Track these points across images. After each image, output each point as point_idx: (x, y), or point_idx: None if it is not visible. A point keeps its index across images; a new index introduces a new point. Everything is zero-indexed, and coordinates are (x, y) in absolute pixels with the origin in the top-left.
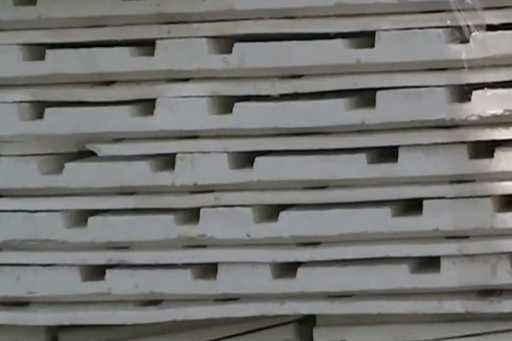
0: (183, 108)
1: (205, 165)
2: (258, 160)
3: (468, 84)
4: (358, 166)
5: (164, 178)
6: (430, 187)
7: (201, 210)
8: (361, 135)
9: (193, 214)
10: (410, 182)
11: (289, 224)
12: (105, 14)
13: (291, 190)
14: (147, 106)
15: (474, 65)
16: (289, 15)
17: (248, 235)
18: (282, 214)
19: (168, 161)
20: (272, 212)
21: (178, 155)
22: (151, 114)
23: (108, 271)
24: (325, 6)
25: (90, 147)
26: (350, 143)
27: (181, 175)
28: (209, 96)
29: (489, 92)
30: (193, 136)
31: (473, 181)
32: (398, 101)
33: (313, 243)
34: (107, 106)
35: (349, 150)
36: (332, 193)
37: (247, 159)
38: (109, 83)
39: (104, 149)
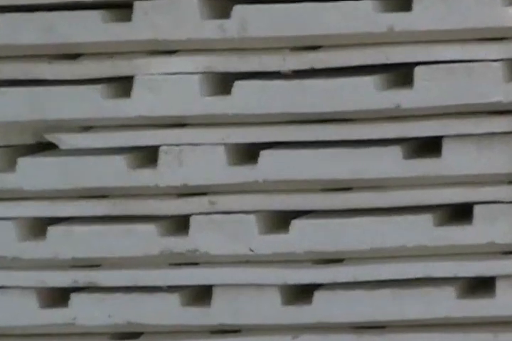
0: (168, 88)
1: (197, 160)
2: (264, 154)
3: None
4: (391, 162)
5: (145, 178)
6: (482, 189)
7: (192, 218)
8: (395, 122)
9: (181, 224)
10: (457, 183)
11: (303, 235)
12: None
13: (305, 193)
14: (123, 85)
15: None
16: None
17: (251, 250)
18: (295, 223)
19: (149, 156)
20: (281, 221)
21: (162, 149)
22: (128, 96)
23: (73, 296)
24: None
25: (50, 138)
26: (381, 132)
27: (166, 173)
28: (201, 73)
29: None
30: (181, 123)
31: None
32: (442, 80)
33: (334, 260)
34: (72, 86)
35: (380, 141)
36: (358, 196)
37: (249, 153)
38: (74, 57)
39: (67, 140)
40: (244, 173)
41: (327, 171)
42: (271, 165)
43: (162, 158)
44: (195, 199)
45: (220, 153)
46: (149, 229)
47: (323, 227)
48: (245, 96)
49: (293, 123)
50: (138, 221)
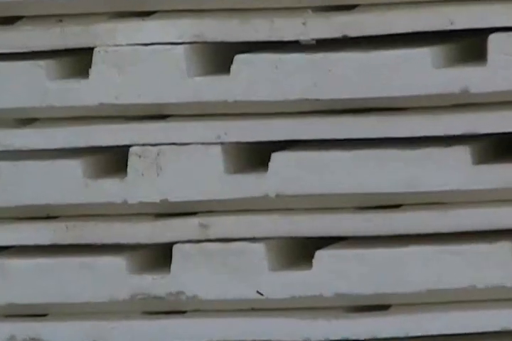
0: (141, 65)
1: (183, 167)
2: (276, 158)
3: None
4: (455, 169)
5: (109, 191)
6: None
7: (175, 248)
8: (461, 112)
9: (160, 256)
10: None
11: (331, 272)
12: None
13: (334, 213)
14: (77, 61)
15: None
16: None
17: (260, 293)
18: (320, 255)
19: (115, 161)
20: (300, 252)
21: (133, 150)
22: (85, 76)
23: None
24: None
25: None
26: (442, 127)
27: (140, 185)
28: (189, 44)
29: None
30: (161, 114)
31: None
32: None
33: (376, 306)
34: (6, 62)
35: (440, 140)
36: (409, 217)
37: (255, 157)
38: (8, 20)
39: (0, 139)
40: (249, 185)
41: (365, 182)
42: (286, 173)
43: (134, 163)
44: (180, 222)
45: (215, 157)
46: (115, 263)
47: (360, 261)
48: (250, 77)
49: (316, 115)
50: (100, 253)
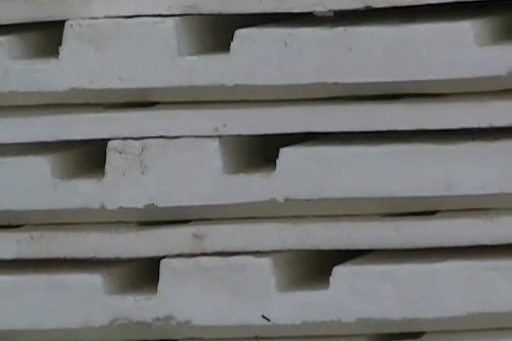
0: (123, 41)
1: (173, 165)
2: (285, 154)
3: None
4: (504, 168)
5: (83, 194)
6: None
7: (163, 264)
8: (510, 99)
9: (145, 274)
10: None
11: (352, 293)
12: None
13: (355, 220)
14: (45, 38)
15: None
16: None
17: (266, 318)
18: (339, 271)
19: (91, 157)
20: (315, 269)
21: (112, 145)
22: (54, 55)
23: None
24: None
25: None
26: (487, 116)
27: (120, 186)
28: (180, 16)
29: None
30: (146, 101)
31: None
32: None
33: (407, 334)
34: None
35: (485, 132)
36: (447, 226)
37: (261, 152)
38: None
39: None
40: (253, 187)
41: (392, 184)
42: (297, 172)
43: (113, 160)
44: (170, 232)
45: (212, 153)
46: (91, 282)
47: (387, 279)
48: (253, 56)
49: (333, 102)
50: (72, 268)
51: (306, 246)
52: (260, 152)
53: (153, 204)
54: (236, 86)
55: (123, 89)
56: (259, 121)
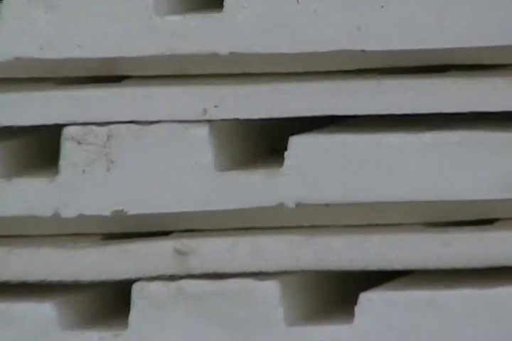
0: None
1: (148, 159)
2: (296, 143)
3: None
4: None
5: (31, 198)
6: None
7: (136, 288)
8: None
9: (112, 302)
10: None
11: (385, 327)
12: None
13: (389, 232)
14: None
15: None
16: None
17: None
18: (367, 299)
19: (40, 149)
20: (334, 295)
21: (68, 132)
22: None
23: None
24: None
25: None
26: None
27: (79, 187)
28: None
29: None
30: (113, 75)
31: None
32: None
33: None
34: None
35: None
36: (510, 238)
37: (263, 142)
38: None
39: None
40: (253, 188)
41: (438, 183)
42: (311, 168)
43: (69, 153)
44: (145, 247)
45: (199, 143)
46: (41, 312)
47: (433, 309)
48: (254, 16)
49: (360, 76)
50: (16, 295)
51: (325, 266)
52: (263, 142)
53: (122, 210)
54: (232, 55)
55: (82, 59)
56: (263, 102)
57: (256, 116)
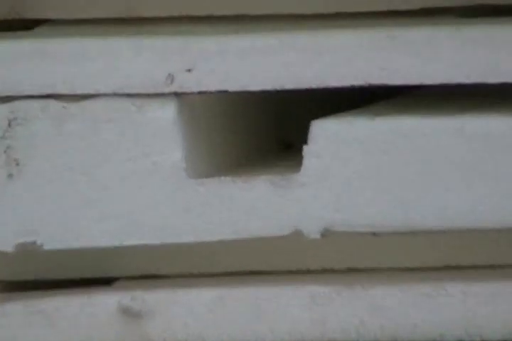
0: None
1: (75, 159)
2: (322, 129)
3: None
4: None
5: None
6: None
7: None
8: None
9: None
10: None
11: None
12: None
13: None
14: None
15: None
16: None
17: None
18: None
19: None
20: None
21: None
22: None
23: None
24: None
25: None
26: None
27: None
28: None
29: None
30: (19, 19)
31: None
32: None
33: None
34: None
35: None
36: None
37: (266, 128)
38: None
39: None
40: (251, 206)
41: None
42: (346, 172)
43: None
44: (73, 304)
45: (163, 130)
46: None
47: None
48: None
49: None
50: None
51: (379, 338)
52: (267, 131)
53: (34, 243)
54: None
55: None
56: (265, 63)
57: (254, 88)
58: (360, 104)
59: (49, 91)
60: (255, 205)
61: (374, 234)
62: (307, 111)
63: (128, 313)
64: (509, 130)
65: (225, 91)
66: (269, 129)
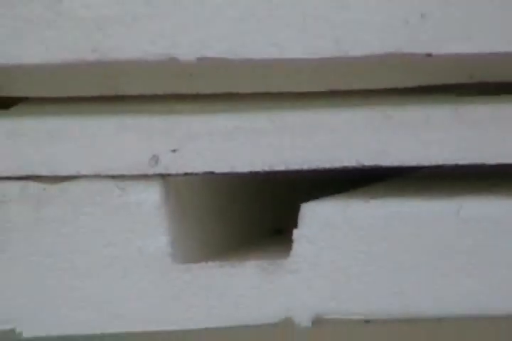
0: None
1: (54, 244)
2: (311, 212)
3: None
4: None
5: None
6: None
7: None
8: None
9: None
10: None
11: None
12: None
13: None
14: None
15: None
16: None
17: None
18: None
19: None
20: None
21: None
22: None
23: None
24: None
25: None
26: None
27: None
28: None
29: None
30: None
31: None
32: None
33: None
34: None
35: None
36: None
37: (255, 213)
38: None
39: None
40: (240, 293)
41: None
42: (338, 257)
43: None
44: None
45: (148, 214)
46: None
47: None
48: None
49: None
50: None
51: None
52: (255, 216)
53: (13, 330)
54: (200, 60)
55: None
56: (254, 144)
57: (242, 169)
58: (353, 185)
59: (28, 172)
60: (243, 292)
61: (367, 321)
62: (298, 193)
63: None
64: (507, 213)
65: (212, 173)
66: (259, 213)
